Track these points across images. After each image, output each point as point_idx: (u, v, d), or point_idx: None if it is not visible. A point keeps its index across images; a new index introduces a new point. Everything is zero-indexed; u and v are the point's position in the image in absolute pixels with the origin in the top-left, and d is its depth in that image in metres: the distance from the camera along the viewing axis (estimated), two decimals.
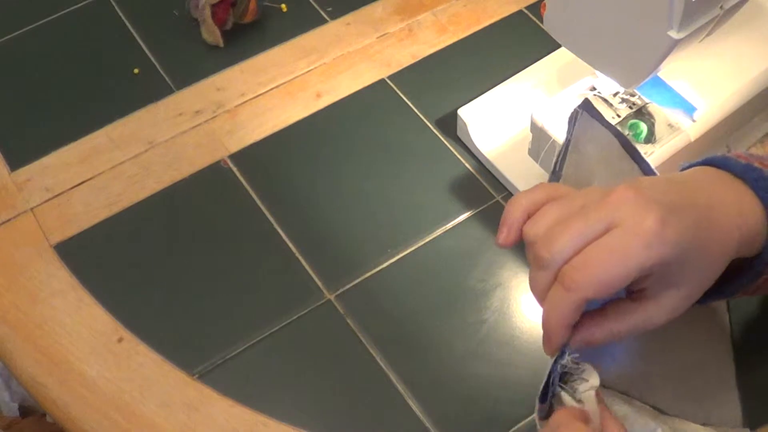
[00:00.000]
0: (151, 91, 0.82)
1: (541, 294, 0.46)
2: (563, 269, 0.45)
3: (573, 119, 0.52)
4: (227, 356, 0.66)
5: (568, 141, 0.52)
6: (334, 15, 0.87)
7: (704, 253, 0.47)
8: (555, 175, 0.54)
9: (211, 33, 0.84)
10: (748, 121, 0.76)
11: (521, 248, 0.70)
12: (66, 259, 0.71)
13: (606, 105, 0.69)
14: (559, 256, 0.45)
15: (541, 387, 0.48)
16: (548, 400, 0.48)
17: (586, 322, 0.47)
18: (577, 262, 0.44)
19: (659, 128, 0.69)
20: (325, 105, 0.80)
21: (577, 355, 0.47)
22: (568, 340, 0.47)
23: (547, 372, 0.47)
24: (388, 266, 0.70)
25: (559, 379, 0.47)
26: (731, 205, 0.49)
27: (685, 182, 0.49)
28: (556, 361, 0.47)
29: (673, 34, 0.58)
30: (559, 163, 0.53)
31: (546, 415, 0.48)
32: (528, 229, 0.48)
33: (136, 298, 0.69)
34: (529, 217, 0.48)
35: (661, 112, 0.69)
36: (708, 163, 0.52)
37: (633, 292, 0.48)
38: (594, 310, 0.48)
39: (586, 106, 0.53)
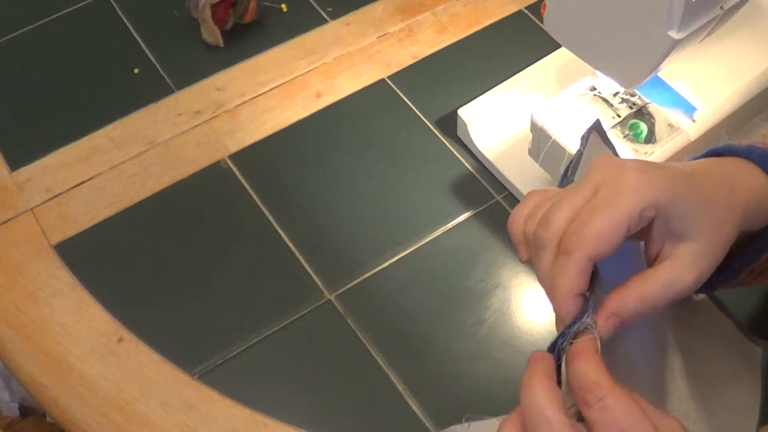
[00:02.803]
0: (151, 91, 0.82)
1: (547, 275, 0.46)
2: (561, 240, 0.45)
3: (585, 138, 0.53)
4: (227, 356, 0.66)
5: (580, 153, 0.53)
6: (334, 15, 0.87)
7: (707, 206, 0.46)
8: (566, 179, 0.54)
9: (211, 33, 0.84)
10: (747, 122, 0.76)
11: None
12: (66, 259, 0.71)
13: (606, 105, 0.69)
14: (556, 229, 0.45)
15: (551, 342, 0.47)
16: (556, 351, 0.46)
17: (611, 296, 0.46)
18: (571, 227, 0.45)
19: (659, 128, 0.69)
20: (325, 105, 0.80)
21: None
22: (580, 313, 0.46)
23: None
24: (388, 266, 0.70)
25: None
26: (731, 173, 0.49)
27: (674, 163, 0.50)
28: (570, 326, 0.46)
29: (673, 35, 0.58)
30: (571, 169, 0.54)
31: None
32: (527, 228, 0.48)
33: (136, 298, 0.69)
34: None
35: (661, 112, 0.69)
36: (710, 153, 0.52)
37: (653, 261, 0.48)
38: (618, 285, 0.47)
39: (597, 126, 0.54)
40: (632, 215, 0.44)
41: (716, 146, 0.52)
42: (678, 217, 0.45)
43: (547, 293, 0.46)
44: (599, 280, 0.47)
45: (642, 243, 0.49)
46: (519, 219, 0.49)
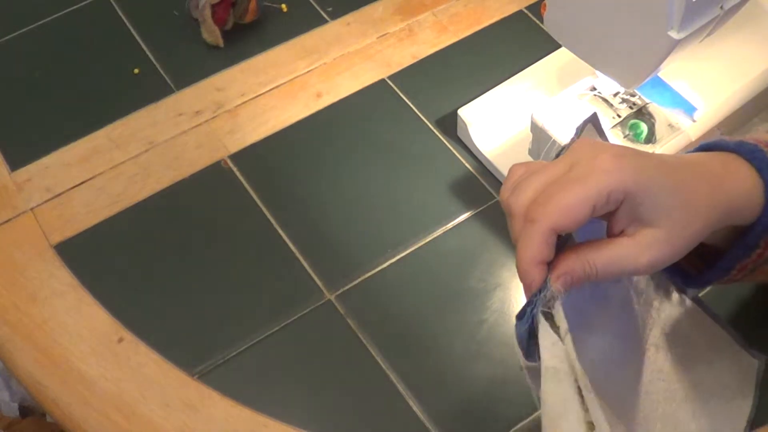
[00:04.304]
0: (151, 91, 0.82)
1: (515, 242, 0.47)
2: (528, 207, 0.46)
3: (580, 129, 0.53)
4: (227, 356, 0.66)
5: (573, 142, 0.53)
6: (335, 15, 0.87)
7: (680, 195, 0.47)
8: None
9: (212, 33, 0.84)
10: (748, 121, 0.76)
11: None
12: (66, 259, 0.71)
13: (606, 105, 0.69)
14: (525, 199, 0.46)
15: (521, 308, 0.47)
16: (525, 318, 0.47)
17: (563, 256, 0.47)
18: (540, 197, 0.46)
19: (659, 128, 0.69)
20: (325, 105, 0.80)
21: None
22: (547, 280, 0.46)
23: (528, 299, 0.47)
24: (388, 266, 0.70)
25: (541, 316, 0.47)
26: (718, 167, 0.50)
27: (660, 153, 0.50)
28: (539, 292, 0.46)
29: (674, 35, 0.58)
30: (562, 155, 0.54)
31: (525, 344, 0.48)
32: (507, 199, 0.48)
33: (136, 298, 0.69)
34: None
35: (661, 112, 0.69)
36: (702, 148, 0.53)
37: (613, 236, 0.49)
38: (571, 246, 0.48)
39: (594, 119, 0.54)
40: (599, 195, 0.45)
41: (707, 141, 0.53)
42: (646, 205, 0.46)
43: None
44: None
45: None
46: (504, 192, 0.50)
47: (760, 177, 0.49)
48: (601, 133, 0.55)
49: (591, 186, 0.45)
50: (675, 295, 0.57)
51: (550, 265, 0.46)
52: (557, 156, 0.53)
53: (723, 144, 0.52)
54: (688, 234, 0.47)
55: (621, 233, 0.47)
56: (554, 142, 0.67)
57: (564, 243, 0.48)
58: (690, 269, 0.56)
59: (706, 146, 0.52)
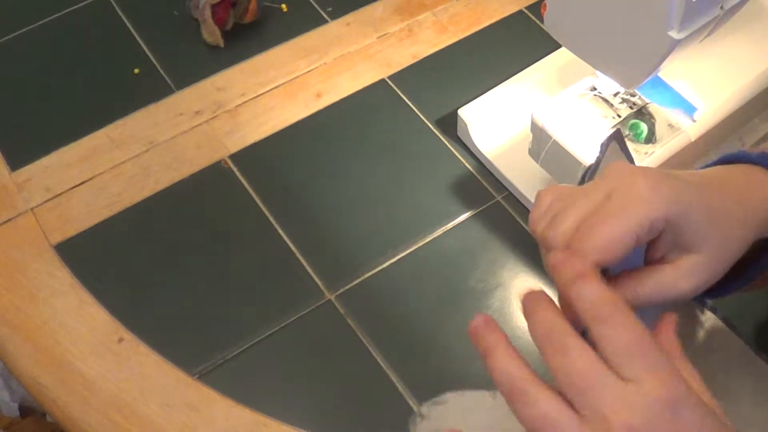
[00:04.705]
0: (151, 91, 0.82)
1: (550, 273, 0.46)
2: (570, 244, 0.45)
3: (605, 145, 0.53)
4: (227, 356, 0.66)
5: (599, 160, 0.53)
6: (335, 15, 0.87)
7: (716, 215, 0.46)
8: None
9: (212, 33, 0.84)
10: (748, 122, 0.76)
11: (522, 249, 0.71)
12: (66, 259, 0.71)
13: (606, 105, 0.69)
14: (564, 233, 0.45)
15: None
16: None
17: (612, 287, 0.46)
18: (580, 232, 0.45)
19: (660, 128, 0.69)
20: (325, 105, 0.80)
21: None
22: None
23: None
24: (388, 266, 0.70)
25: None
26: (744, 183, 0.49)
27: (686, 171, 0.50)
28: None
29: (674, 35, 0.58)
30: (588, 175, 0.54)
31: None
32: (541, 229, 0.47)
33: (136, 298, 0.69)
34: None
35: (661, 112, 0.69)
36: (723, 160, 0.52)
37: (655, 262, 0.48)
38: (614, 276, 0.48)
39: (618, 136, 0.54)
40: (641, 226, 0.44)
41: (729, 153, 0.52)
42: (686, 231, 0.45)
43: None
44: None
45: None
46: (534, 221, 0.49)
47: None
48: (624, 149, 0.55)
49: (632, 218, 0.44)
50: (700, 315, 0.57)
51: None
52: (585, 176, 0.53)
53: (745, 156, 0.51)
54: (726, 256, 0.47)
55: (661, 259, 0.47)
56: (554, 142, 0.67)
57: (603, 274, 0.47)
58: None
59: (727, 158, 0.52)
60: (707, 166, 0.53)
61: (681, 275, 0.46)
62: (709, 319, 0.57)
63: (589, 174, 0.55)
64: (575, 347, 0.40)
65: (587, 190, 0.47)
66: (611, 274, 0.47)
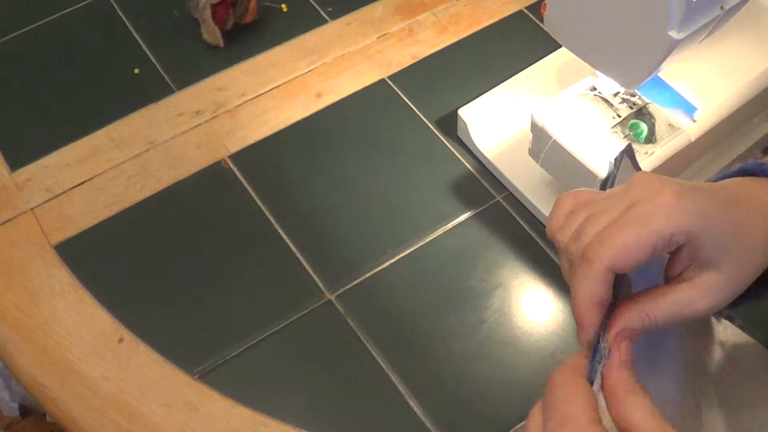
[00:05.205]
0: (151, 91, 0.82)
1: (569, 282, 0.46)
2: (585, 247, 0.45)
3: (618, 161, 0.52)
4: (227, 356, 0.66)
5: (613, 176, 0.53)
6: (335, 15, 0.87)
7: (740, 232, 0.46)
8: None
9: (212, 33, 0.84)
10: (748, 122, 0.76)
11: (522, 249, 0.71)
12: (66, 259, 0.71)
13: (606, 105, 0.69)
14: (585, 243, 0.45)
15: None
16: (591, 371, 0.46)
17: (619, 309, 0.46)
18: (598, 236, 0.45)
19: (660, 128, 0.69)
20: (325, 105, 0.80)
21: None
22: (602, 328, 0.46)
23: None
24: (388, 266, 0.70)
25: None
26: (764, 195, 0.48)
27: (711, 184, 0.49)
28: (594, 353, 0.46)
29: (674, 35, 0.58)
30: (607, 188, 0.54)
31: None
32: (560, 236, 0.47)
33: (136, 298, 0.69)
34: None
35: (661, 112, 0.69)
36: (741, 172, 0.52)
37: (673, 278, 0.47)
38: (627, 296, 0.47)
39: (629, 151, 0.54)
40: (661, 237, 0.44)
41: (746, 164, 0.51)
42: (707, 247, 0.45)
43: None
44: (629, 290, 0.47)
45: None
46: (553, 228, 0.49)
47: None
48: (635, 164, 0.54)
49: (652, 227, 0.43)
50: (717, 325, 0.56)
51: (608, 318, 0.45)
52: (602, 188, 0.53)
53: (765, 169, 0.50)
54: (747, 274, 0.47)
55: (679, 276, 0.46)
56: (554, 142, 0.67)
57: (620, 283, 0.47)
58: None
59: (746, 170, 0.51)
60: (725, 176, 0.52)
61: (699, 295, 0.46)
62: (727, 328, 0.56)
63: (609, 184, 0.55)
64: None
65: (611, 198, 0.46)
66: (634, 291, 0.47)
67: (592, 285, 0.44)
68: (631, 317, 0.45)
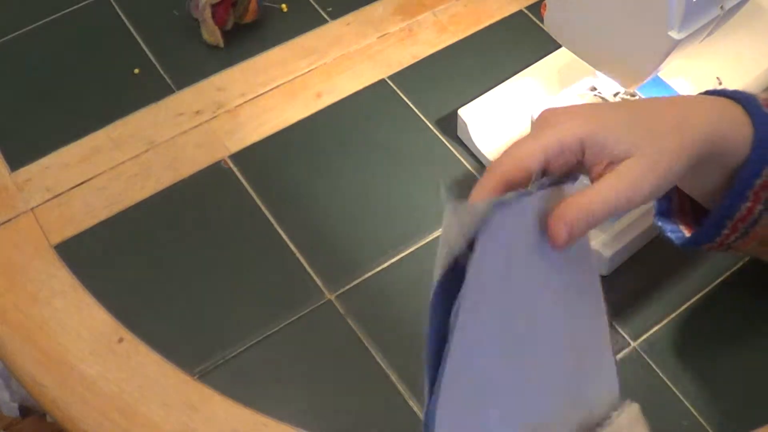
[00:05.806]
0: (151, 91, 0.82)
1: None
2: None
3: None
4: (227, 356, 0.66)
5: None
6: (335, 15, 0.87)
7: (642, 124, 0.48)
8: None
9: (212, 33, 0.84)
10: None
11: None
12: (66, 259, 0.71)
13: None
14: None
15: None
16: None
17: (560, 206, 0.46)
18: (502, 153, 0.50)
19: None
20: (325, 105, 0.80)
21: None
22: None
23: None
24: (388, 266, 0.70)
25: None
26: (700, 98, 0.52)
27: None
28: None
29: (674, 35, 0.58)
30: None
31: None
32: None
33: (136, 298, 0.69)
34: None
35: None
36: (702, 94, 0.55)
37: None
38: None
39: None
40: (550, 145, 0.47)
41: (709, 89, 0.55)
42: (609, 142, 0.47)
43: None
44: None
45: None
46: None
47: (751, 123, 0.51)
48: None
49: (541, 138, 0.48)
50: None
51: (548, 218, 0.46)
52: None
53: (722, 91, 0.54)
54: (662, 164, 0.48)
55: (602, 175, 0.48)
56: None
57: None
58: (686, 230, 0.57)
59: (706, 93, 0.55)
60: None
61: (623, 183, 0.47)
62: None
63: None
64: None
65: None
66: None
67: (486, 188, 0.48)
68: (573, 211, 0.46)
